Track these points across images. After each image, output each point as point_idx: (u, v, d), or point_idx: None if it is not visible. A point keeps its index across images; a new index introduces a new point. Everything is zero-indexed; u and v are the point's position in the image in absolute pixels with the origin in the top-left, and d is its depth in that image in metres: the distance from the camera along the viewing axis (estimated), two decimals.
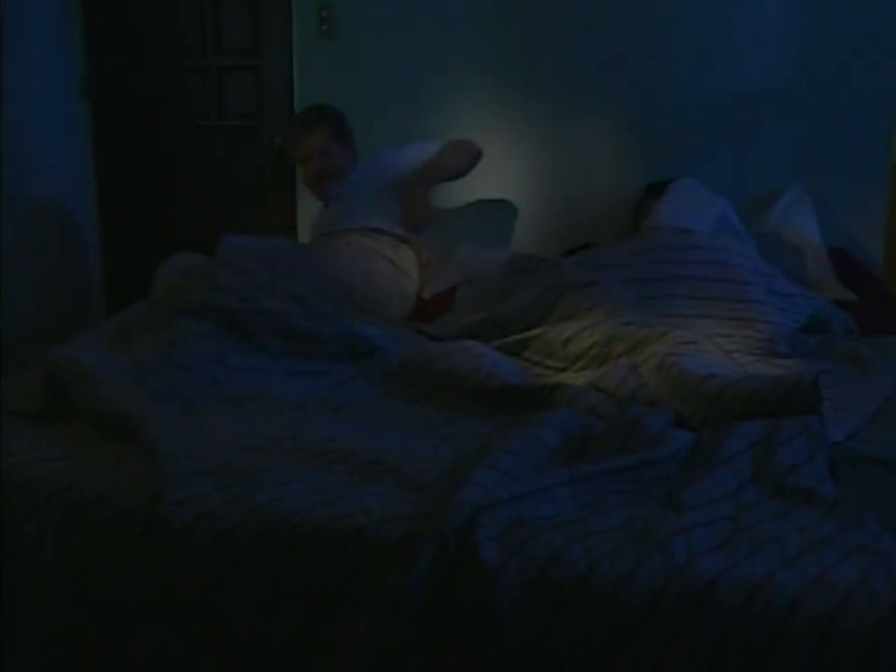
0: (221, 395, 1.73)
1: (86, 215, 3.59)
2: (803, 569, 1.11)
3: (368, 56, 3.19)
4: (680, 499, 1.27)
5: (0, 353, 2.99)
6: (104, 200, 3.63)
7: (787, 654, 1.05)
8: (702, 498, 1.28)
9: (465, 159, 2.82)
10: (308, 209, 3.34)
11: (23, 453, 1.47)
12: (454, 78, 3.13)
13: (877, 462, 1.44)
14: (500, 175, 3.13)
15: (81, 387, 1.65)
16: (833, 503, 1.28)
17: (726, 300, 2.15)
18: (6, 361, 2.87)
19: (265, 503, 1.28)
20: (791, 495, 1.30)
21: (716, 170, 2.93)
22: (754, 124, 2.93)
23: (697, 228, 2.51)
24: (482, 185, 3.06)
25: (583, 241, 2.92)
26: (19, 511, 1.38)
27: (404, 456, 1.45)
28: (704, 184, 2.75)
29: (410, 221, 2.69)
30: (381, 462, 1.42)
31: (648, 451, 1.39)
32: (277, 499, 1.29)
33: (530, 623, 1.12)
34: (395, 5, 3.15)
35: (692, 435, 1.48)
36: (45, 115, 3.39)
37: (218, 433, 1.53)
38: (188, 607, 1.26)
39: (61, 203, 3.50)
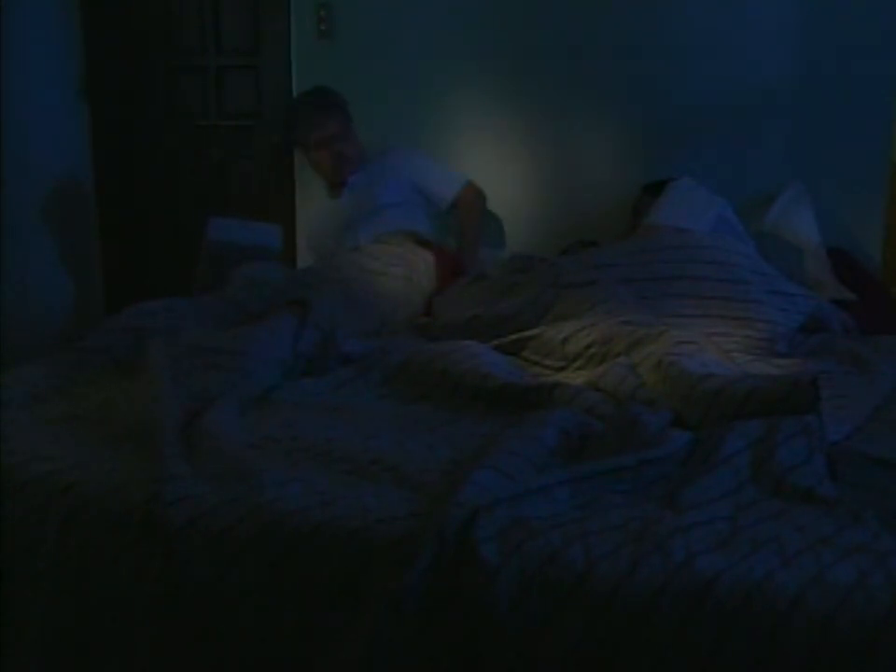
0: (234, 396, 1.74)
1: (85, 214, 3.59)
2: (801, 569, 1.11)
3: (367, 55, 3.19)
4: (679, 499, 1.27)
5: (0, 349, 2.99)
6: (103, 199, 3.63)
7: (786, 653, 1.05)
8: (701, 498, 1.28)
9: (480, 216, 3.00)
10: (307, 208, 3.35)
11: (23, 453, 1.47)
12: (452, 78, 3.13)
13: (876, 461, 1.44)
14: (498, 174, 3.13)
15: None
16: (832, 502, 1.28)
17: (725, 299, 2.15)
18: (4, 359, 2.87)
19: (264, 503, 1.29)
20: (790, 494, 1.30)
21: (714, 169, 2.92)
22: (753, 124, 2.93)
23: (695, 227, 2.52)
24: (479, 185, 3.06)
25: (579, 239, 2.92)
26: (19, 511, 1.38)
27: (403, 456, 1.45)
28: (702, 183, 2.74)
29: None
30: (380, 462, 1.42)
31: (646, 450, 1.39)
32: (276, 499, 1.29)
33: (529, 622, 1.13)
34: (393, 4, 3.15)
35: (690, 434, 1.48)
36: (44, 114, 3.39)
37: (219, 433, 1.53)
38: (187, 606, 1.26)
39: (60, 202, 3.50)
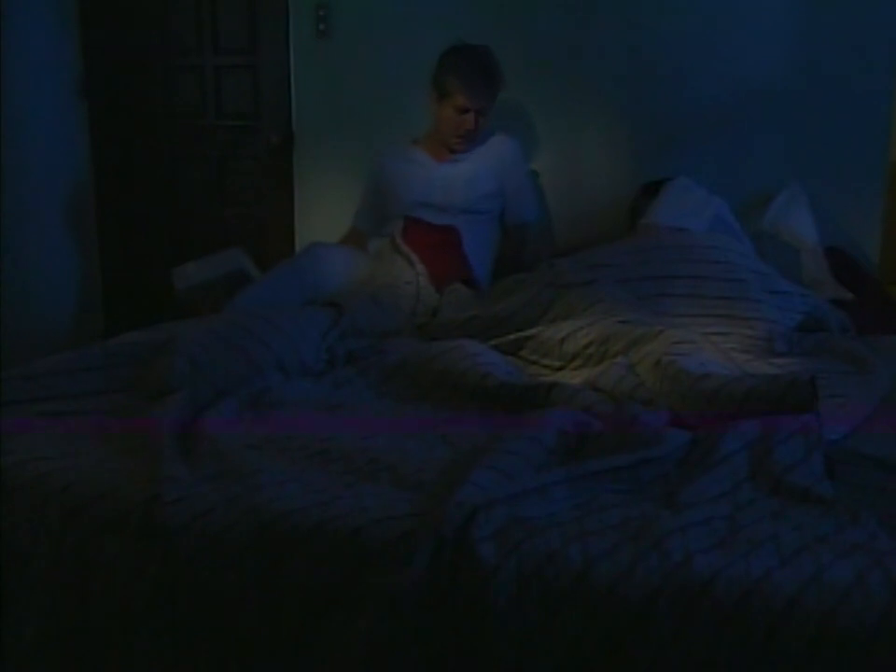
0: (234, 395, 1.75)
1: (84, 213, 3.59)
2: (799, 568, 1.11)
3: (365, 55, 3.19)
4: (677, 498, 1.28)
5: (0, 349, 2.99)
6: (101, 198, 3.63)
7: (783, 653, 1.06)
8: (698, 497, 1.28)
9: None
10: (306, 208, 3.35)
11: (23, 452, 1.47)
12: None
13: (874, 461, 1.44)
14: None
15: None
16: (830, 502, 1.29)
17: (722, 298, 2.16)
18: (4, 360, 2.87)
19: (262, 503, 1.29)
20: (788, 494, 1.31)
21: (712, 169, 2.93)
22: (751, 123, 2.93)
23: (693, 227, 2.52)
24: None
25: (579, 239, 2.92)
26: (18, 511, 1.38)
27: (401, 456, 1.45)
28: (700, 183, 2.75)
29: None
30: (378, 461, 1.43)
31: (644, 450, 1.39)
32: (274, 499, 1.29)
33: (527, 621, 1.13)
34: (392, 3, 3.15)
35: (688, 434, 1.48)
36: (43, 114, 3.39)
37: (217, 433, 1.53)
38: (185, 606, 1.27)
39: (59, 202, 3.50)
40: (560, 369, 1.95)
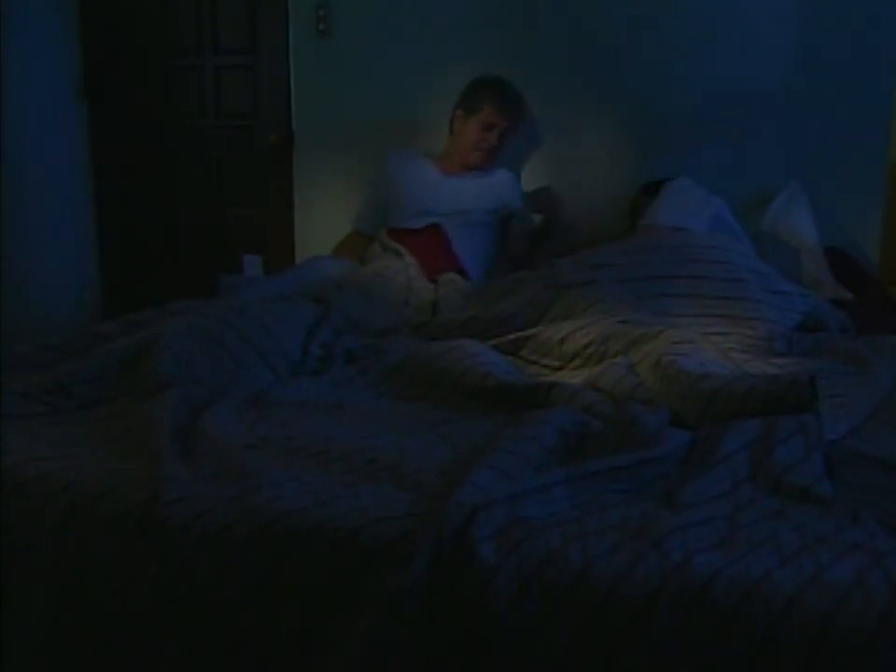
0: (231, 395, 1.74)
1: (83, 213, 3.59)
2: (799, 568, 1.11)
3: (365, 55, 3.19)
4: (677, 498, 1.28)
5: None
6: (100, 198, 3.63)
7: (783, 653, 1.05)
8: (698, 497, 1.28)
9: None
10: (306, 208, 3.35)
11: (22, 453, 1.47)
12: (451, 78, 3.12)
13: (873, 460, 1.44)
14: None
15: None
16: (830, 502, 1.29)
17: (722, 298, 2.16)
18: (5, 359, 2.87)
19: (261, 503, 1.28)
20: (788, 493, 1.31)
21: (712, 169, 2.93)
22: (751, 123, 2.93)
23: (693, 227, 2.52)
24: None
25: (579, 239, 2.92)
26: (17, 511, 1.38)
27: (401, 456, 1.45)
28: (700, 183, 2.75)
29: None
30: (377, 461, 1.42)
31: (644, 450, 1.39)
32: (273, 499, 1.29)
33: (527, 621, 1.13)
34: (392, 3, 3.15)
35: (688, 434, 1.48)
36: (43, 114, 3.39)
37: (216, 433, 1.53)
38: (185, 606, 1.26)
39: (58, 202, 3.50)
40: (560, 369, 1.95)
